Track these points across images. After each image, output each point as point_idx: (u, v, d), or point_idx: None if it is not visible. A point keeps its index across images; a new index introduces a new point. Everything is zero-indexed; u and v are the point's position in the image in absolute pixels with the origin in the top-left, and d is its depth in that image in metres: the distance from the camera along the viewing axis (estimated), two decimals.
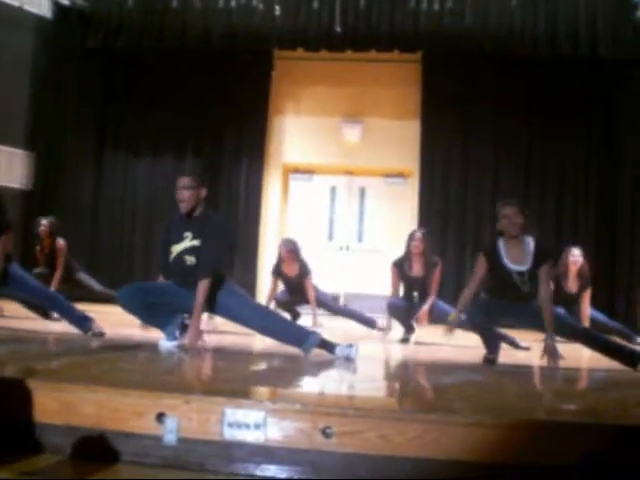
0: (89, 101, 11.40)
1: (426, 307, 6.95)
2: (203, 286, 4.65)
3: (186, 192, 4.92)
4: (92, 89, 11.42)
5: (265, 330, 4.91)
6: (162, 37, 10.83)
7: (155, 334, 5.16)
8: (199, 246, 4.79)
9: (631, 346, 5.45)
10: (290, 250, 8.29)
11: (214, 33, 10.72)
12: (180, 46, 10.86)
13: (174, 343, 4.79)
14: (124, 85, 11.63)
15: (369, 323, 8.17)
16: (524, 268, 4.90)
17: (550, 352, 4.80)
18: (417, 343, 6.82)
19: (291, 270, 8.26)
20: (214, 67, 11.37)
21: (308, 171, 12.09)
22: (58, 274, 8.25)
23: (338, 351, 4.66)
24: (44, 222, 8.33)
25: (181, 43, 10.83)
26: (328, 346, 4.72)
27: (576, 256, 8.00)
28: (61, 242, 8.32)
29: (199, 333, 4.77)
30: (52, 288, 7.89)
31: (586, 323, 7.57)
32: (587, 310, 7.86)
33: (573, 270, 7.97)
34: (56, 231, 8.38)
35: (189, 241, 4.84)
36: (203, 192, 5.01)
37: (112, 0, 11.00)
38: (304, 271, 8.26)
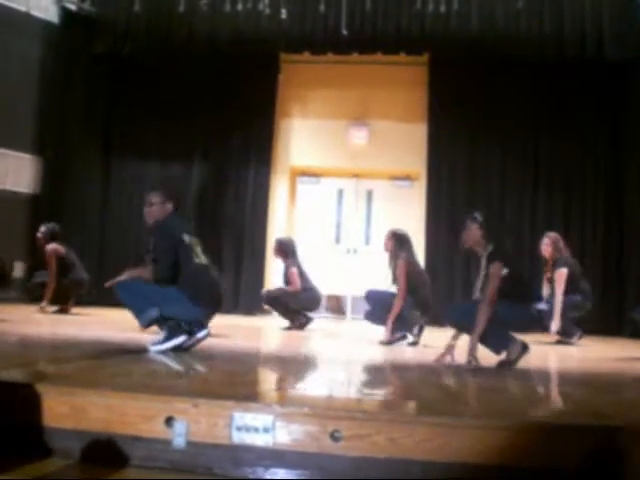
0: (96, 106, 11.43)
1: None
2: None
3: (149, 207, 5.16)
4: (99, 94, 11.45)
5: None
6: (169, 41, 10.87)
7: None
8: (154, 257, 4.96)
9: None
10: (275, 250, 8.66)
11: (220, 37, 10.75)
12: (187, 50, 10.89)
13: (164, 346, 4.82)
14: (131, 89, 11.65)
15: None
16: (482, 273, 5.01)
17: (449, 351, 4.98)
18: (425, 346, 6.81)
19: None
20: (221, 71, 11.38)
21: (315, 174, 12.09)
22: (50, 278, 8.45)
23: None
24: (42, 229, 8.57)
25: (188, 47, 10.86)
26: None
27: (542, 244, 8.21)
28: (50, 247, 8.44)
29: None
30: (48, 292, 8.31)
31: (557, 307, 7.71)
32: (558, 294, 7.85)
33: (545, 257, 8.17)
34: (54, 237, 8.51)
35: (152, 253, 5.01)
36: (169, 207, 5.15)
37: (119, 5, 11.04)
38: (287, 264, 8.48)
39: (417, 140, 11.22)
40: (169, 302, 4.83)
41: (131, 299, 4.88)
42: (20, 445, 2.76)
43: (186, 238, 5.01)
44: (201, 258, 5.08)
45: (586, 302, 8.04)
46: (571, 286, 7.88)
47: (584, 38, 10.04)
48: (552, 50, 10.12)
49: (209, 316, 5.18)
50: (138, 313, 4.88)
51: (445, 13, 10.20)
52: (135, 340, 5.53)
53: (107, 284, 5.25)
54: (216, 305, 5.18)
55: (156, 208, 5.11)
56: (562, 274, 7.90)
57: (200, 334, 4.96)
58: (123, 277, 5.20)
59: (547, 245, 8.21)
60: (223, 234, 11.22)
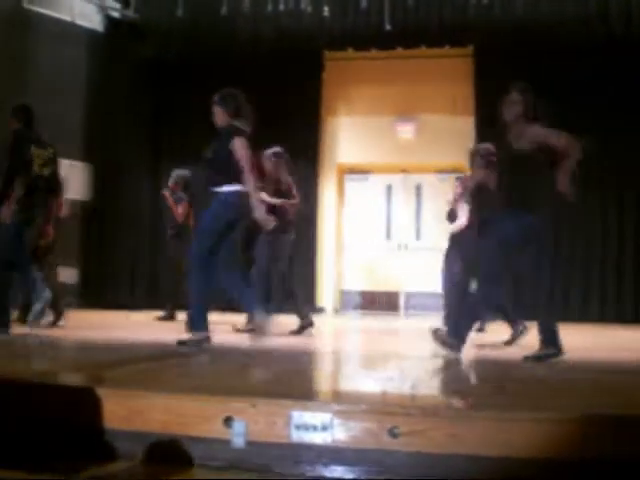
0: (144, 111, 11.56)
1: None
2: None
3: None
4: (146, 99, 11.58)
5: None
6: (212, 44, 10.96)
7: (219, 337, 5.23)
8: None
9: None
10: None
11: (263, 37, 10.81)
12: (230, 52, 10.96)
13: None
14: (177, 94, 11.74)
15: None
16: None
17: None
18: (480, 340, 6.74)
19: None
20: (264, 72, 11.39)
21: (363, 171, 12.08)
22: None
23: None
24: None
25: (231, 49, 10.93)
26: None
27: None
28: None
29: None
30: None
31: None
32: None
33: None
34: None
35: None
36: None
37: (161, 10, 11.17)
38: None
39: (465, 133, 11.09)
40: None
41: None
42: (84, 448, 2.80)
43: None
44: None
45: None
46: None
47: (630, 16, 9.82)
48: (600, 32, 9.93)
49: None
50: None
51: (488, 3, 10.10)
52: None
53: None
54: None
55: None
56: None
57: None
58: None
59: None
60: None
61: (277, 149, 7.44)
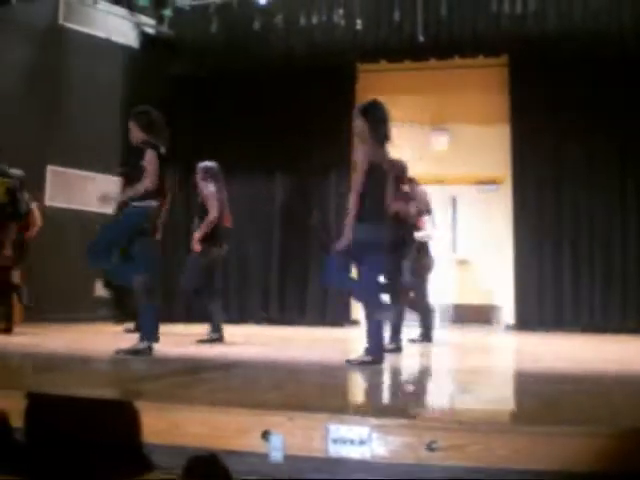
0: (178, 126, 11.63)
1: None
2: None
3: None
4: (180, 114, 11.66)
5: None
6: (246, 59, 11.04)
7: (253, 350, 5.23)
8: None
9: None
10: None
11: (296, 51, 10.86)
12: (264, 67, 11.03)
13: None
14: (211, 109, 11.83)
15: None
16: None
17: None
18: (518, 351, 6.69)
19: None
20: (298, 85, 11.44)
21: None
22: None
23: None
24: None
25: (265, 64, 11.00)
26: None
27: None
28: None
29: None
30: None
31: None
32: None
33: None
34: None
35: None
36: None
37: (196, 27, 11.27)
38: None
39: (500, 143, 11.03)
40: None
41: None
42: (123, 462, 2.81)
43: None
44: None
45: None
46: None
47: None
48: (633, 46, 9.82)
49: None
50: None
51: (522, 13, 10.04)
52: (222, 354, 5.60)
53: None
54: None
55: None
56: None
57: None
58: None
59: None
60: (309, 247, 11.22)
61: (206, 164, 7.71)
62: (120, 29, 11.32)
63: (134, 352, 5.18)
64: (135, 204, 5.32)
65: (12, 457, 2.91)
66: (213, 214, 7.07)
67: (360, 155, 5.05)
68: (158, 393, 3.50)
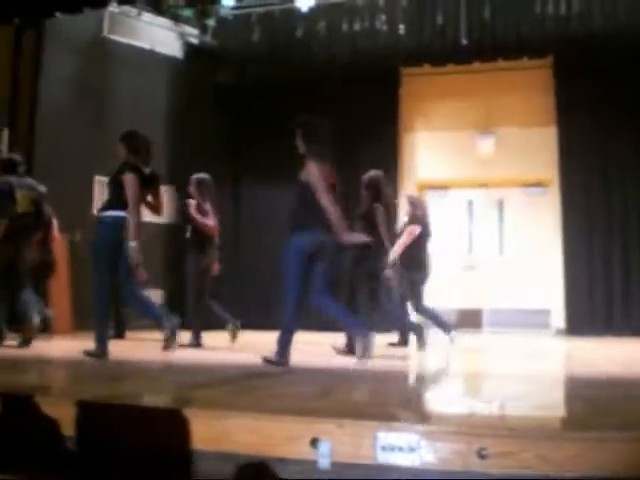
0: (223, 135, 11.75)
1: None
2: None
3: None
4: (225, 123, 11.77)
5: None
6: (289, 67, 11.08)
7: (299, 357, 5.24)
8: None
9: None
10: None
11: (339, 58, 10.86)
12: (307, 74, 11.06)
13: None
14: (255, 118, 11.89)
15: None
16: None
17: None
18: (568, 356, 6.60)
19: None
20: (341, 91, 11.43)
21: (443, 186, 11.97)
22: None
23: None
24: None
25: (308, 71, 11.03)
26: None
27: None
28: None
29: None
30: None
31: None
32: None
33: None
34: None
35: None
36: None
37: (239, 36, 11.35)
38: None
39: (547, 145, 10.91)
40: None
41: None
42: (171, 469, 2.84)
43: None
44: None
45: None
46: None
47: None
48: None
49: None
50: None
51: (566, 14, 9.92)
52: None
53: None
54: None
55: None
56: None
57: None
58: None
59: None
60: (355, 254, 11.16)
61: (199, 176, 8.21)
62: (164, 40, 11.45)
63: (89, 354, 5.62)
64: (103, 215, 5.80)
65: (64, 465, 2.95)
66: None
67: (311, 170, 5.43)
68: (208, 401, 3.52)
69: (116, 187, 5.73)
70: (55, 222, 8.15)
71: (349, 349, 6.37)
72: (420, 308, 7.87)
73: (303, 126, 5.61)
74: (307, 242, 5.26)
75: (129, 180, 5.66)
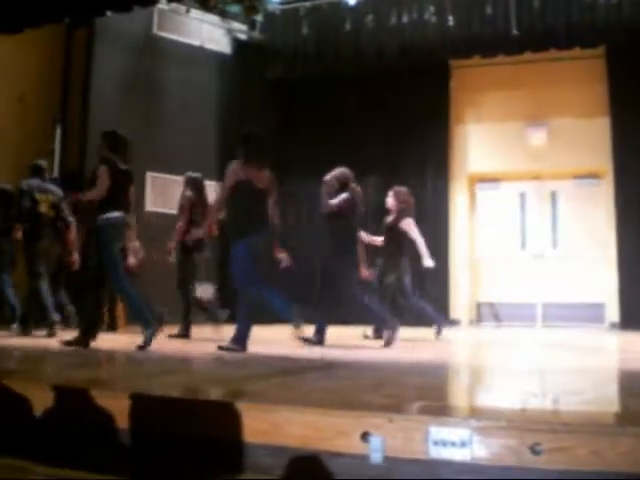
0: (272, 130, 11.77)
1: None
2: None
3: None
4: (274, 119, 11.79)
5: None
6: (338, 61, 11.06)
7: (348, 351, 5.23)
8: None
9: None
10: None
11: (388, 51, 10.83)
12: (356, 67, 11.04)
13: None
14: (305, 112, 11.92)
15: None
16: None
17: None
18: (624, 350, 6.48)
19: None
20: (391, 84, 11.40)
21: (494, 179, 11.85)
22: None
23: None
24: None
25: (357, 64, 11.00)
26: None
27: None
28: None
29: None
30: None
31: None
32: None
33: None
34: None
35: None
36: None
37: (287, 30, 11.39)
38: None
39: (600, 136, 10.72)
40: None
41: None
42: (223, 461, 2.86)
43: None
44: None
45: None
46: None
47: None
48: None
49: None
50: None
51: (618, 2, 9.73)
52: (320, 355, 5.61)
53: None
54: None
55: None
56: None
57: None
58: None
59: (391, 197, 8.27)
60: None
61: (191, 174, 8.37)
62: (213, 36, 11.55)
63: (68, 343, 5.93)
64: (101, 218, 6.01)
65: (117, 458, 2.99)
66: (178, 223, 7.84)
67: (228, 167, 6.19)
68: (259, 394, 3.54)
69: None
70: (74, 226, 8.38)
71: (378, 334, 7.13)
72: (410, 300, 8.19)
73: (244, 137, 6.35)
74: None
75: (101, 171, 5.96)
